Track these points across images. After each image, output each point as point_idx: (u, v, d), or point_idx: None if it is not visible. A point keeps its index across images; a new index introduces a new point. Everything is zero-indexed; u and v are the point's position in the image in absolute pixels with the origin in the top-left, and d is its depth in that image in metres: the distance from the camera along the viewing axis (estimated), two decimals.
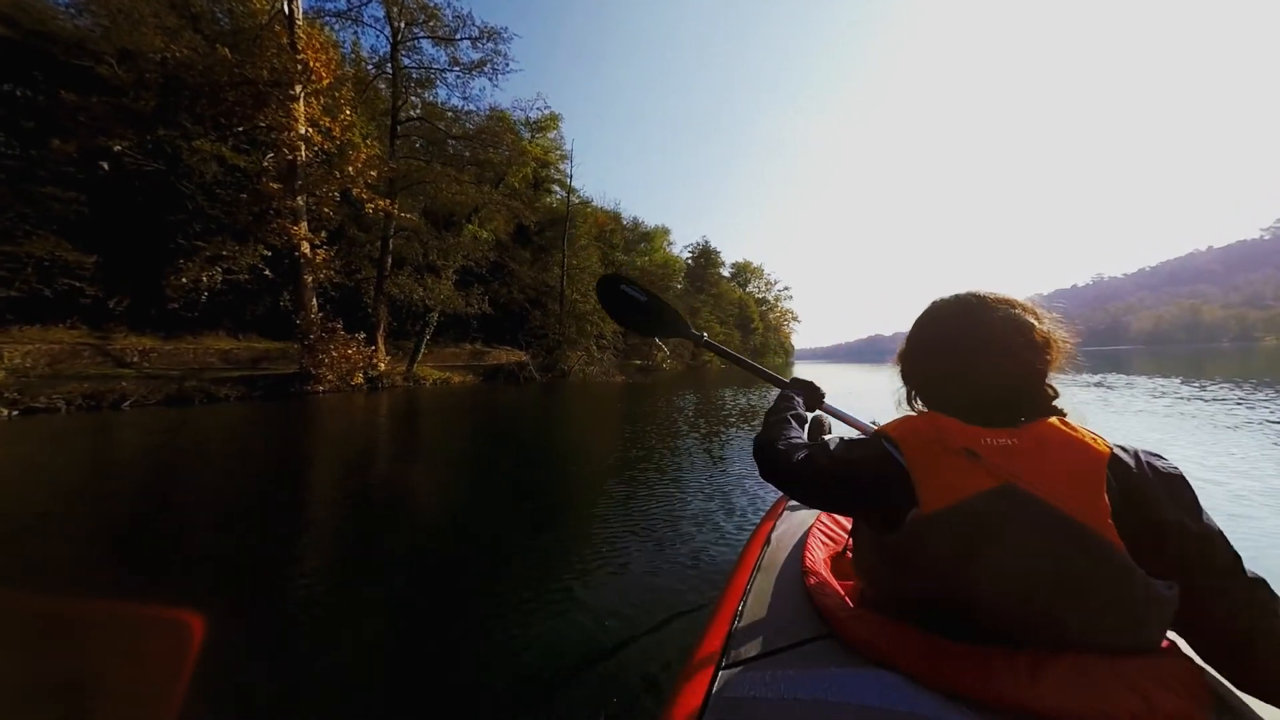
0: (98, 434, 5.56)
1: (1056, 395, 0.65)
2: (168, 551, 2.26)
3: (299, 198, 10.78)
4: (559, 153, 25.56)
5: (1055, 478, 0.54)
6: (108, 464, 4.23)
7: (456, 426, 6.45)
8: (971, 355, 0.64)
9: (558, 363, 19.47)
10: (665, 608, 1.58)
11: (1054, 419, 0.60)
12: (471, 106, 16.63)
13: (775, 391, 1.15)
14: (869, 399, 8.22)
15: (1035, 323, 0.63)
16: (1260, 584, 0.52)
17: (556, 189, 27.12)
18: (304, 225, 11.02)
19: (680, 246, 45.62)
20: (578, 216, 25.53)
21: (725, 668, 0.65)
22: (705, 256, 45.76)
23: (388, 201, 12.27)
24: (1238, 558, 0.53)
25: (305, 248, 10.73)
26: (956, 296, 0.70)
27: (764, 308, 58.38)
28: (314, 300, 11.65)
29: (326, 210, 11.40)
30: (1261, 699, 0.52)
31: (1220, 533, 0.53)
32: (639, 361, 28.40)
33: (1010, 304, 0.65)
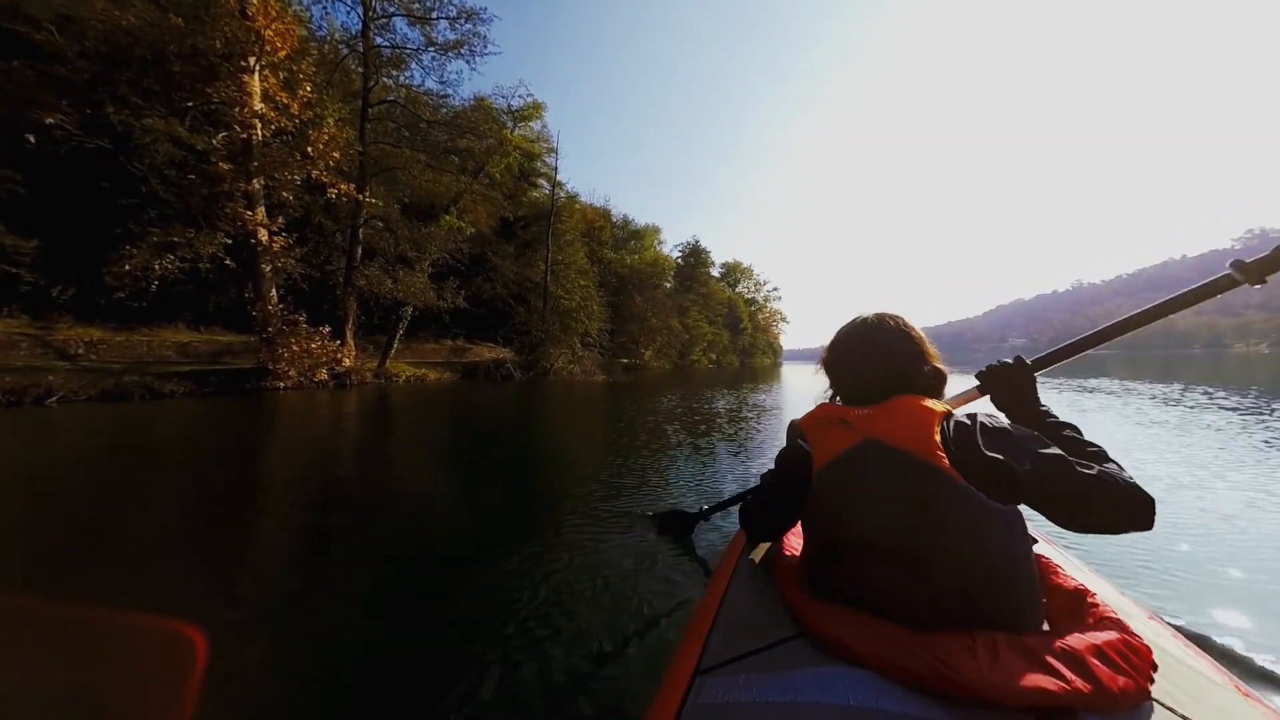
0: (11, 435, 4.97)
1: (939, 392, 0.88)
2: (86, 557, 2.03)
3: (255, 180, 10.07)
4: (545, 145, 24.93)
5: (900, 430, 0.73)
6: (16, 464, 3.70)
7: (423, 426, 5.96)
8: (881, 358, 0.85)
9: (540, 360, 18.96)
10: (643, 616, 1.52)
11: (910, 396, 0.78)
12: (449, 90, 15.95)
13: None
14: None
15: (921, 335, 0.88)
16: (1058, 458, 0.67)
17: (543, 183, 26.50)
18: (261, 211, 10.31)
19: (671, 245, 45.31)
20: (564, 211, 24.93)
21: (702, 673, 0.65)
22: (695, 256, 45.41)
23: (351, 186, 11.56)
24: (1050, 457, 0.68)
25: (262, 234, 10.04)
26: (875, 314, 0.91)
27: (753, 308, 58.38)
28: (273, 291, 10.97)
29: (286, 195, 10.71)
30: (1088, 531, 0.66)
31: (1040, 451, 0.68)
32: (625, 360, 28.01)
33: (904, 324, 0.89)
